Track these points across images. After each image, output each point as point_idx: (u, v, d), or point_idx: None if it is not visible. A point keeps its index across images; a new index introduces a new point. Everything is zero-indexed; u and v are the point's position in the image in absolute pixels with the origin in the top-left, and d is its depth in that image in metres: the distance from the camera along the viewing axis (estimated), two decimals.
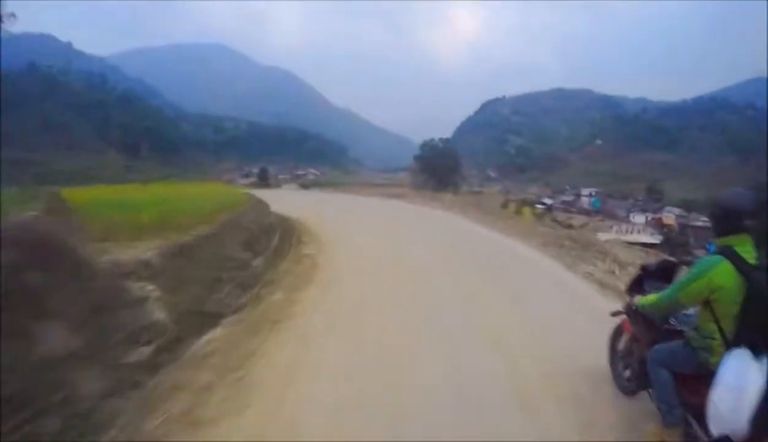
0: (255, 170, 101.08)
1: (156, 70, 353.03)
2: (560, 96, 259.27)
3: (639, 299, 3.50)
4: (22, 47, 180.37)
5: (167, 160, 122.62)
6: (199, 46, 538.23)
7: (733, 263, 2.70)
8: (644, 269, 4.06)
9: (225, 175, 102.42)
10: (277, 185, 79.62)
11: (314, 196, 33.79)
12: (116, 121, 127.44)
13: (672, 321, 3.42)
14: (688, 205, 77.61)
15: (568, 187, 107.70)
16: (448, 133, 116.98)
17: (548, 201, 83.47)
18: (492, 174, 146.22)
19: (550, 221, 66.94)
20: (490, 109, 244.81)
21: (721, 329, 2.77)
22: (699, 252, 48.38)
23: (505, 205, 66.56)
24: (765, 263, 2.74)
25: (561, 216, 71.97)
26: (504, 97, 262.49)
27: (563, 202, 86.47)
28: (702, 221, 66.40)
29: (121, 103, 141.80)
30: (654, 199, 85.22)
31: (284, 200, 24.32)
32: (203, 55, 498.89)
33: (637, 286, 3.98)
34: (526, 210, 67.06)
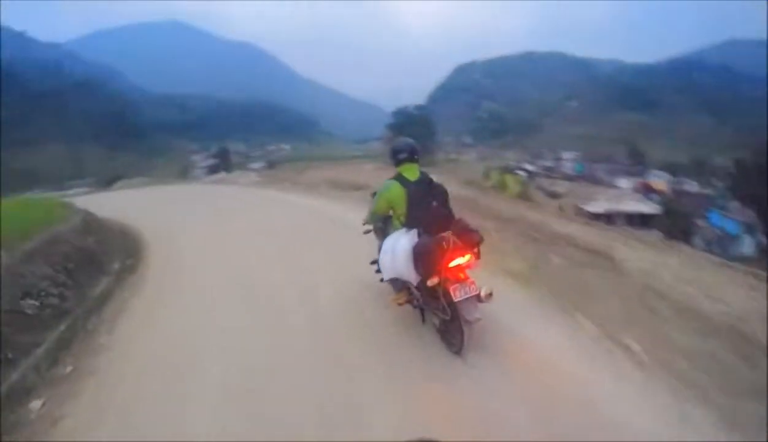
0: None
1: (115, 53, 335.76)
2: (531, 59, 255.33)
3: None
4: None
5: (130, 146, 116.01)
6: (156, 25, 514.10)
7: (400, 182, 4.43)
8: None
9: (191, 158, 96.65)
10: (242, 167, 71.46)
11: (244, 197, 19.08)
12: (74, 109, 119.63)
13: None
14: (672, 168, 74.11)
15: (546, 151, 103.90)
16: (420, 100, 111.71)
17: (529, 167, 79.69)
18: (467, 140, 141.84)
19: (534, 188, 63.52)
20: (462, 74, 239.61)
21: (402, 223, 4.41)
22: (700, 223, 43.45)
23: (487, 175, 62.95)
24: (423, 178, 4.50)
25: (544, 182, 68.42)
26: (475, 61, 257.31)
27: (544, 167, 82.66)
28: (692, 185, 62.43)
29: (79, 90, 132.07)
30: (636, 162, 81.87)
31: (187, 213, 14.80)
32: (162, 33, 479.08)
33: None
34: (509, 178, 63.42)
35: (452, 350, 4.19)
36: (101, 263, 8.08)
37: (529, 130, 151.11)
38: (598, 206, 41.02)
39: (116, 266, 8.22)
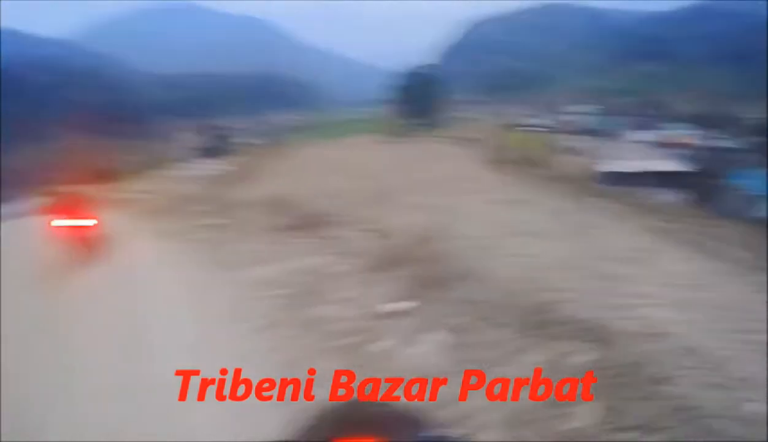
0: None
1: (122, 40, 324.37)
2: (545, 12, 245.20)
3: None
4: None
5: (130, 132, 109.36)
6: (166, 8, 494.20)
7: None
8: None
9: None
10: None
11: None
12: (74, 102, 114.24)
13: None
14: (698, 121, 66.92)
15: (562, 104, 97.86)
16: (429, 60, 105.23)
17: (545, 122, 74.10)
18: (481, 97, 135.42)
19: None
20: (476, 30, 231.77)
21: None
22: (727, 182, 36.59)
23: (503, 146, 58.14)
24: None
25: (561, 139, 63.21)
26: (490, 17, 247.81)
27: (560, 122, 76.95)
28: (725, 140, 55.22)
29: (78, 82, 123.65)
30: (657, 115, 75.89)
31: None
32: (171, 16, 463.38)
33: None
34: (514, 136, 58.31)
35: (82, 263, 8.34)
36: None
37: (545, 84, 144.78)
38: (619, 166, 36.29)
39: None
